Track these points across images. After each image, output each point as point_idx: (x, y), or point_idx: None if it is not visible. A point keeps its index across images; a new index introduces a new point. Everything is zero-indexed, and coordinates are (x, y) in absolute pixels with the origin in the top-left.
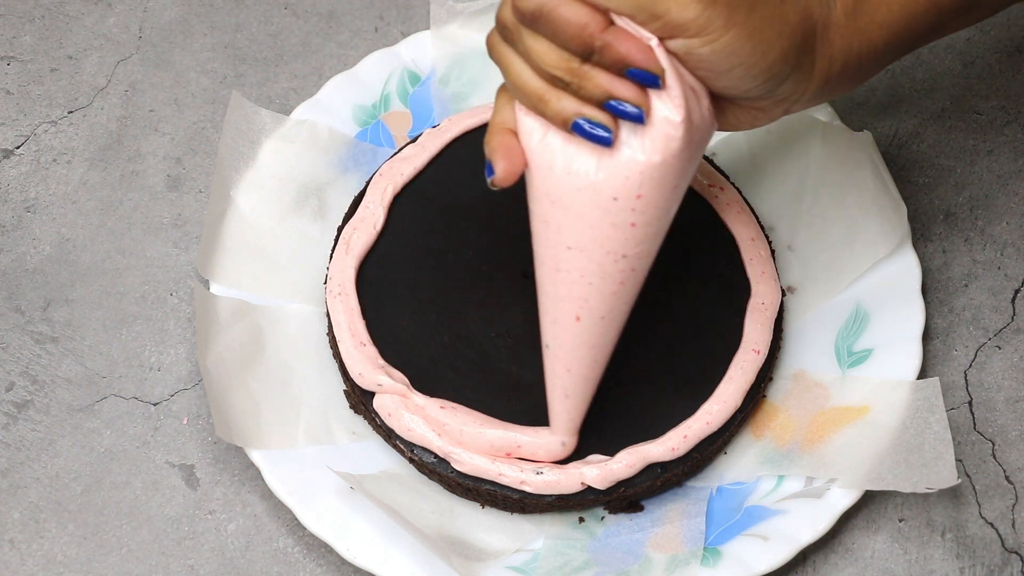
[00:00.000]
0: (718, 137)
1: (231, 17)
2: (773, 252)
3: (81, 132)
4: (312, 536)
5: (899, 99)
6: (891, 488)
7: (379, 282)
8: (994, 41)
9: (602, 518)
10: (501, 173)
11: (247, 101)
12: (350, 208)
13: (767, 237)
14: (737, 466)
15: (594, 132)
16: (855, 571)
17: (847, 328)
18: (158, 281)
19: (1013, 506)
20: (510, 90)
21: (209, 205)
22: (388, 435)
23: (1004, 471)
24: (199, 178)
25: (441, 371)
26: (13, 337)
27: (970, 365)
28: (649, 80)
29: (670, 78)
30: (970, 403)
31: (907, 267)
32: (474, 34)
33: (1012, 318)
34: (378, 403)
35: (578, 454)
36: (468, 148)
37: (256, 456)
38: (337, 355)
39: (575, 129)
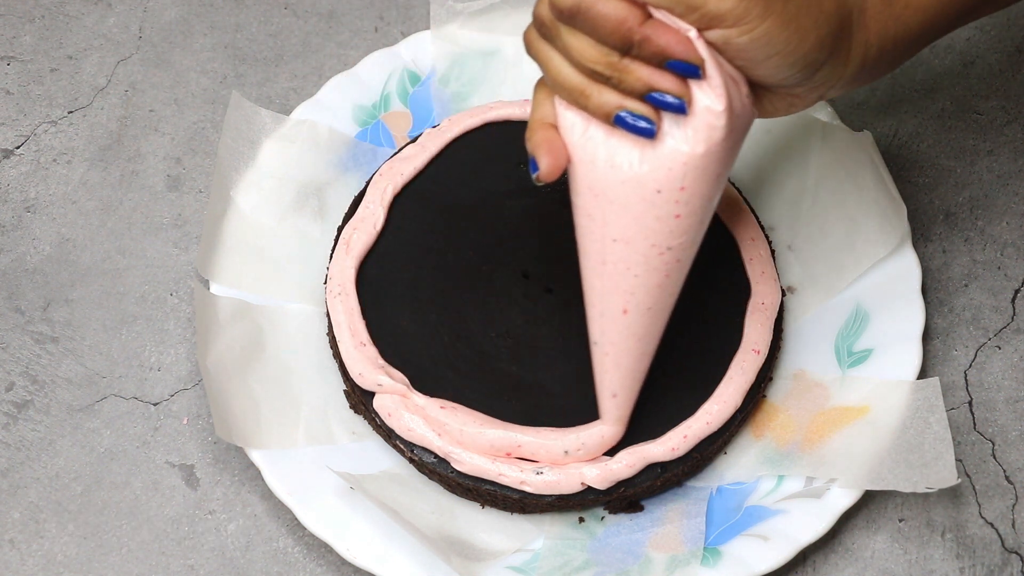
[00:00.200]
0: None
1: (231, 17)
2: (773, 252)
3: (81, 132)
4: (312, 536)
5: (899, 99)
6: (891, 488)
7: (379, 282)
8: (994, 41)
9: (602, 518)
10: (546, 169)
11: (247, 101)
12: (350, 208)
13: (767, 237)
14: (737, 466)
15: (637, 124)
16: (855, 571)
17: (847, 328)
18: (158, 281)
19: (1013, 506)
20: (550, 86)
21: (209, 205)
22: (388, 435)
23: (1004, 471)
24: (199, 178)
25: (441, 371)
26: (13, 337)
27: (970, 365)
28: (689, 71)
29: (710, 68)
30: (970, 403)
31: (907, 267)
32: (474, 34)
33: (1012, 318)
34: (378, 403)
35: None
36: (468, 148)
37: (256, 456)
38: (337, 355)
39: (618, 122)
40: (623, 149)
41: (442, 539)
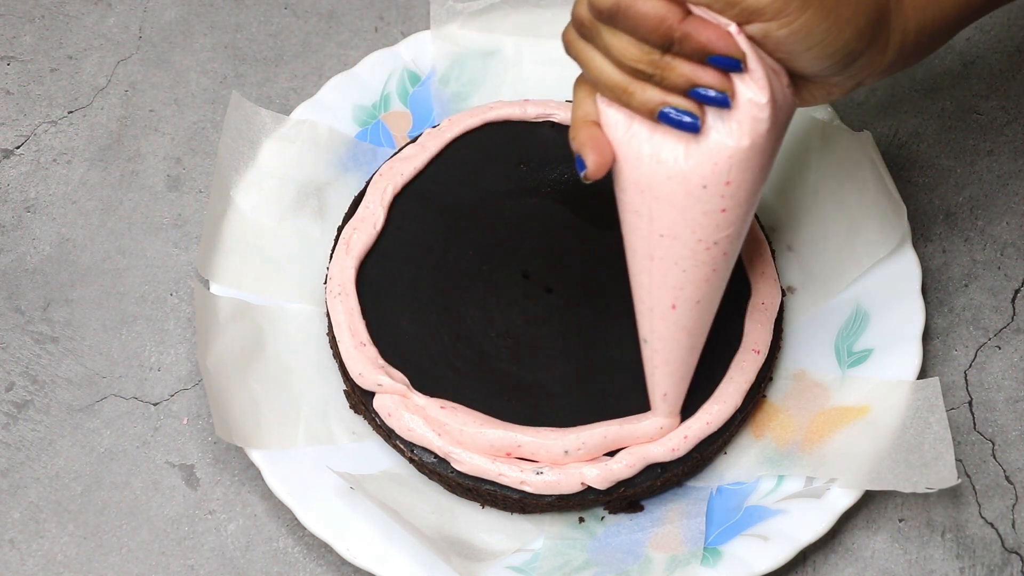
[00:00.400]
0: None
1: (231, 17)
2: (773, 252)
3: (81, 132)
4: (312, 536)
5: (899, 99)
6: (891, 488)
7: (379, 282)
8: (994, 41)
9: (602, 518)
10: (593, 166)
11: (247, 101)
12: (350, 208)
13: (767, 237)
14: (737, 466)
15: (681, 119)
16: (855, 571)
17: (847, 328)
18: (158, 281)
19: (1013, 506)
20: (592, 84)
21: (209, 205)
22: (388, 435)
23: (1004, 471)
24: (199, 178)
25: (441, 371)
26: (13, 337)
27: (970, 365)
28: (731, 65)
29: (752, 61)
30: (970, 403)
31: (907, 267)
32: (474, 34)
33: (1012, 318)
34: (378, 403)
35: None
36: (468, 148)
37: (256, 456)
38: (337, 355)
39: (662, 118)
40: (668, 144)
41: (442, 539)
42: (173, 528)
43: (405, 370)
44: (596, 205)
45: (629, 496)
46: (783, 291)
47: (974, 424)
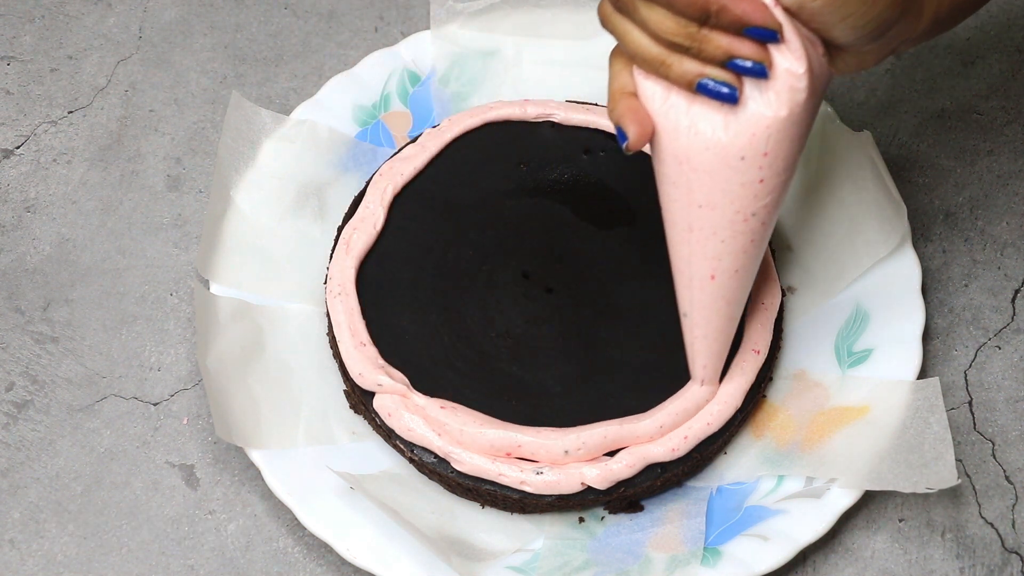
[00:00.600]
0: None
1: (231, 17)
2: (773, 252)
3: (81, 132)
4: (312, 536)
5: (899, 99)
6: (891, 488)
7: (379, 282)
8: (994, 41)
9: (602, 518)
10: (635, 137)
11: (247, 101)
12: (350, 208)
13: None
14: (737, 466)
15: (719, 90)
16: (855, 571)
17: (847, 328)
18: (158, 281)
19: (1013, 506)
20: (629, 57)
21: (209, 205)
22: (388, 435)
23: (1004, 471)
24: (199, 178)
25: (441, 371)
26: (13, 337)
27: (970, 365)
28: (768, 36)
29: (788, 31)
30: (970, 403)
31: (907, 267)
32: (474, 34)
33: (1012, 318)
34: (378, 403)
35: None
36: (468, 148)
37: (256, 456)
38: (337, 355)
39: (700, 89)
40: (706, 116)
41: (442, 539)
42: (173, 528)
43: (405, 370)
44: (596, 205)
45: (629, 496)
46: (783, 291)
47: (974, 424)
